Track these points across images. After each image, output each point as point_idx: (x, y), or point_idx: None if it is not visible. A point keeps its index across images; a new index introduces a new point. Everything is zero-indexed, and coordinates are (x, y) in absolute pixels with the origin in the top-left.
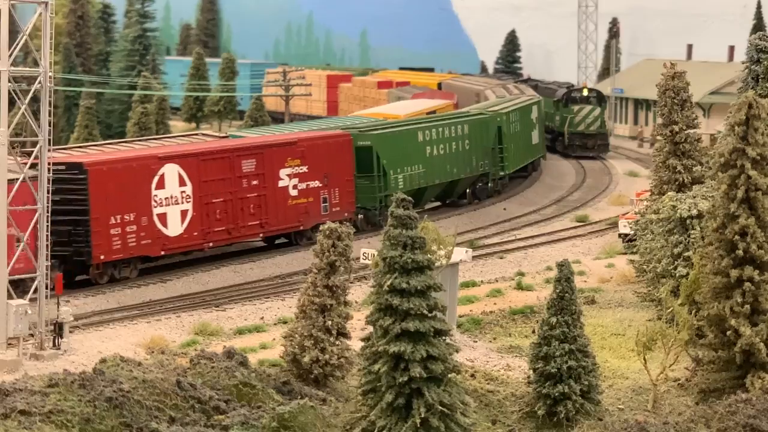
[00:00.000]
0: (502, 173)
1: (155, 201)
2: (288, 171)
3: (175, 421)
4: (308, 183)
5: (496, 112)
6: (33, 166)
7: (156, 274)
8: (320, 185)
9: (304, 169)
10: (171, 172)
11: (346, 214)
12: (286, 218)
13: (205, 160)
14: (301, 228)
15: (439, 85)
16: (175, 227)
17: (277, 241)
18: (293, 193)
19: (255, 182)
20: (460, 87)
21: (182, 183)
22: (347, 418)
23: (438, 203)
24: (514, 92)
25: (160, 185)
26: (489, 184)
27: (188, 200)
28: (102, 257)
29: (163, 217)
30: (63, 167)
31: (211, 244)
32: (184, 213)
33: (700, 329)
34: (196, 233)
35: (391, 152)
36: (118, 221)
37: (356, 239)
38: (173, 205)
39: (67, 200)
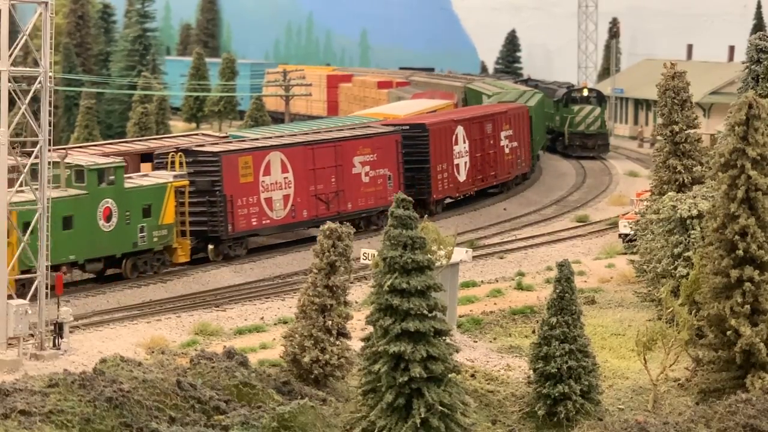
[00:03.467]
0: None
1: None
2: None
3: (175, 421)
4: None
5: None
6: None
7: (156, 274)
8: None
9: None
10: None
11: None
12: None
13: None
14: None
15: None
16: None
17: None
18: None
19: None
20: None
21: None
22: (347, 418)
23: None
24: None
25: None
26: None
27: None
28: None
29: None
30: (407, 127)
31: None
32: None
33: (700, 329)
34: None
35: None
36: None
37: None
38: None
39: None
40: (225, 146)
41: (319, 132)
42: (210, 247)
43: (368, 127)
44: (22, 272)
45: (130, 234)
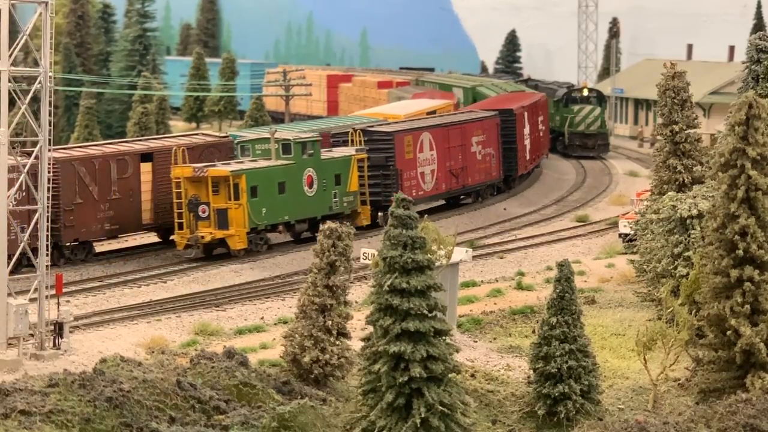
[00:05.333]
0: None
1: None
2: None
3: (175, 421)
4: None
5: None
6: None
7: (156, 274)
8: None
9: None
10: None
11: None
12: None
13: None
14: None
15: None
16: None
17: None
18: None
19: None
20: None
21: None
22: (347, 418)
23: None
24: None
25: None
26: None
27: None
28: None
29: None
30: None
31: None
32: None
33: (700, 329)
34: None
35: None
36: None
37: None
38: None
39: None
40: (394, 126)
41: (447, 115)
42: (380, 214)
43: (476, 111)
44: (251, 230)
45: (326, 199)
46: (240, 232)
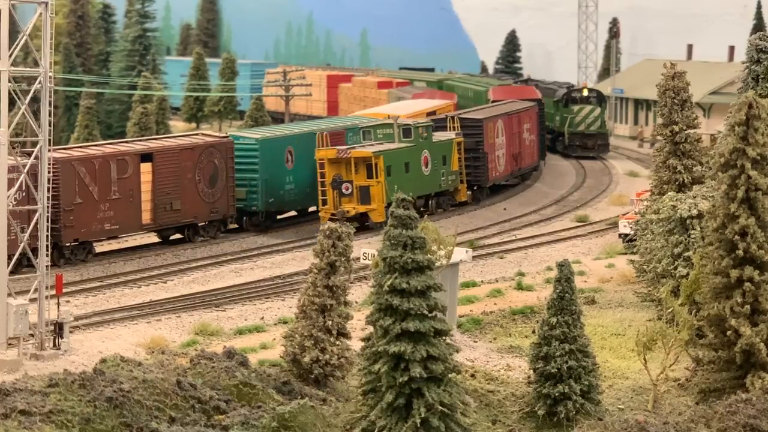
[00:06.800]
0: None
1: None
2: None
3: (175, 421)
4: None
5: None
6: None
7: (156, 274)
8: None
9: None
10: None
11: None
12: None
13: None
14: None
15: None
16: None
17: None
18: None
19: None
20: None
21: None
22: (347, 418)
23: None
24: None
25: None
26: None
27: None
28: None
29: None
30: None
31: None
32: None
33: (700, 329)
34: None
35: None
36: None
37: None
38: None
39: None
40: (481, 114)
41: (504, 104)
42: (468, 192)
43: (523, 101)
44: (387, 205)
45: (437, 177)
46: (380, 206)
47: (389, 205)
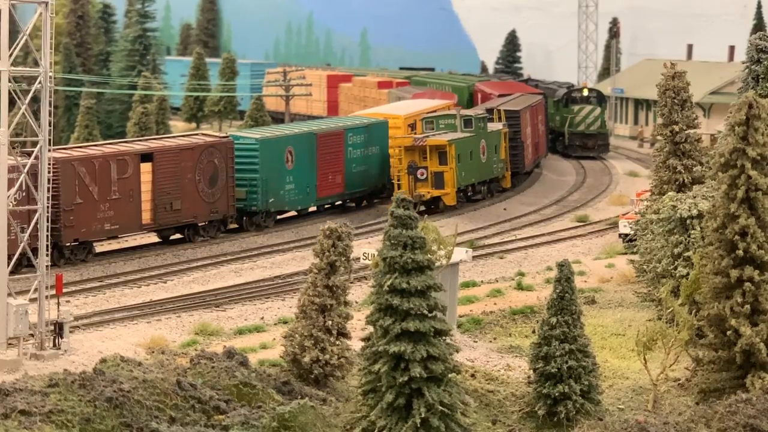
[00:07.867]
0: None
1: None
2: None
3: (175, 421)
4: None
5: None
6: None
7: (156, 274)
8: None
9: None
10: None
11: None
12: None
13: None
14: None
15: None
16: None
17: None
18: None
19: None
20: None
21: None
22: (347, 418)
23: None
24: None
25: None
26: None
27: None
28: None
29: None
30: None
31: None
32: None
33: (700, 329)
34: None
35: None
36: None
37: None
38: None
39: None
40: (518, 105)
41: (522, 97)
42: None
43: (533, 94)
44: (458, 191)
45: (491, 164)
46: (452, 191)
47: (459, 190)
